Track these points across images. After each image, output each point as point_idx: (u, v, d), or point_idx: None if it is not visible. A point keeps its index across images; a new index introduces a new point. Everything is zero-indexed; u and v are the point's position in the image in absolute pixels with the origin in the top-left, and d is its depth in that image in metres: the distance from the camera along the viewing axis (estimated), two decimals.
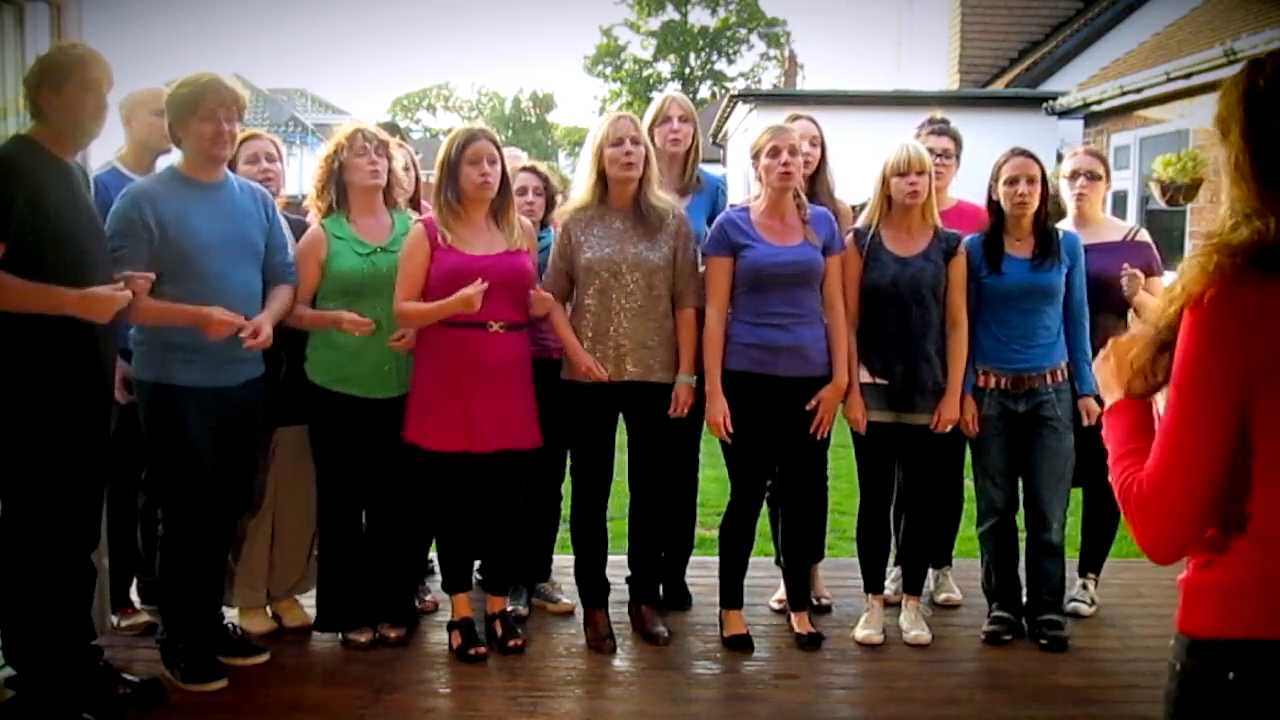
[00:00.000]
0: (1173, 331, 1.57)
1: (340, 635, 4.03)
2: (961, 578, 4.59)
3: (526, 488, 4.10)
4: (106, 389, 3.42)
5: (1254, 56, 1.61)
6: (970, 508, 4.62)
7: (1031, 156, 4.05)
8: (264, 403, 3.78)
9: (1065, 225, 4.25)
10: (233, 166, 3.89)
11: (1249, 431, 1.54)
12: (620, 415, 4.03)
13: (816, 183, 4.30)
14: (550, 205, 4.31)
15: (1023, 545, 4.21)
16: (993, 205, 4.09)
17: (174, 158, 3.67)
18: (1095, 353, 4.05)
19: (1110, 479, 1.67)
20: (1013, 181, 4.01)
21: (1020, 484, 4.15)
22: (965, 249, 4.01)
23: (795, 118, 4.32)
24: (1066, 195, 4.35)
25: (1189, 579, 1.64)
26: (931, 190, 3.97)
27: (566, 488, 4.31)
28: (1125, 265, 4.11)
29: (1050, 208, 4.09)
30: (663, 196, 3.95)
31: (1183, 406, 1.55)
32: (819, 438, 3.95)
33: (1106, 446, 1.72)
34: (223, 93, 3.48)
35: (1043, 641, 4.04)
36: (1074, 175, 4.32)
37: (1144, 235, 4.36)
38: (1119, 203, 10.27)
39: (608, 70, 46.15)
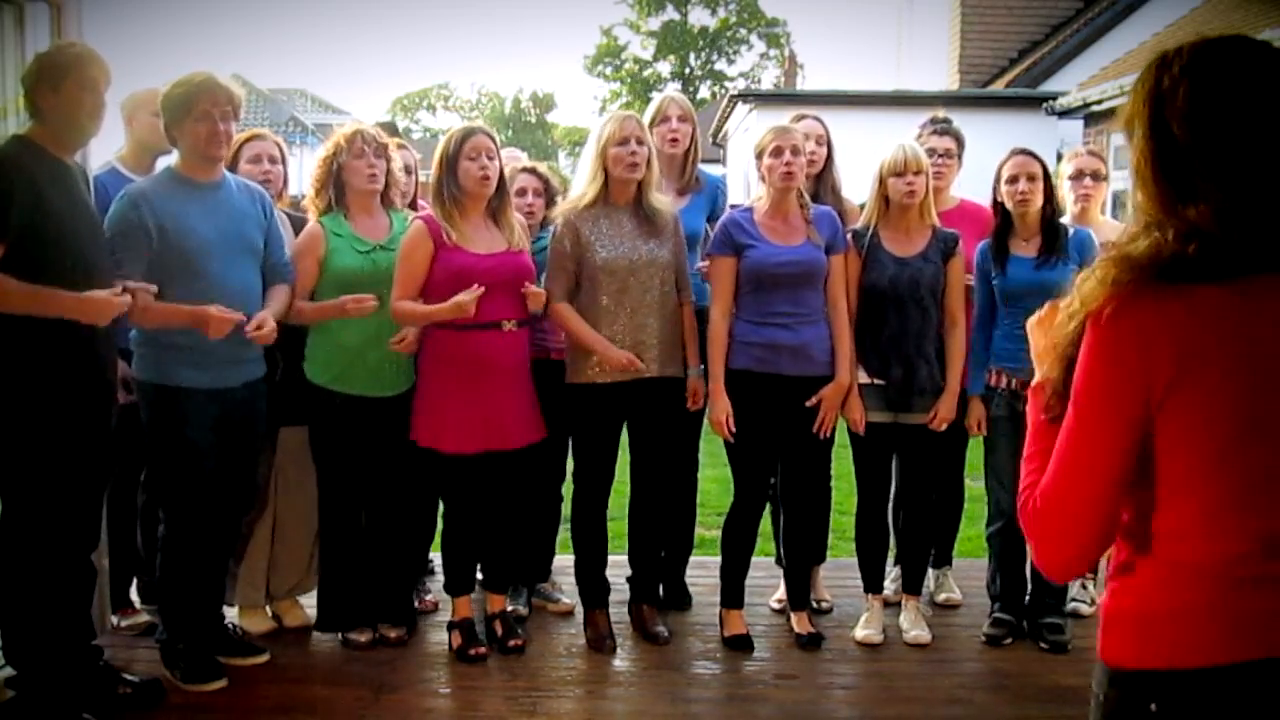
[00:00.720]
0: (1075, 348, 1.51)
1: (340, 635, 4.03)
2: (962, 577, 4.59)
3: (529, 486, 4.10)
4: (107, 389, 3.41)
5: (1163, 52, 1.51)
6: (971, 507, 4.62)
7: (1032, 155, 4.05)
8: (266, 403, 3.77)
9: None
10: (234, 166, 3.90)
11: (1152, 450, 1.48)
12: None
13: (822, 182, 4.30)
14: (550, 206, 4.30)
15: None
16: (997, 206, 4.09)
17: (172, 158, 3.66)
18: None
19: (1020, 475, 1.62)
20: (1013, 180, 4.01)
21: None
22: (963, 251, 4.00)
23: (801, 117, 4.32)
24: (1068, 196, 4.34)
25: (1106, 603, 1.59)
26: (929, 190, 3.97)
27: (566, 488, 4.30)
28: None
29: (1054, 205, 4.08)
30: (661, 198, 3.96)
31: (1079, 424, 1.49)
32: (822, 437, 3.95)
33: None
34: (217, 92, 3.47)
35: (1043, 645, 4.03)
36: (1078, 175, 4.32)
37: None
38: (1119, 203, 10.27)
39: (608, 70, 46.13)
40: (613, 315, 3.87)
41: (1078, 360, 1.50)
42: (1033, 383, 1.67)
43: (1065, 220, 4.31)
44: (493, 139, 3.83)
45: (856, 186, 4.41)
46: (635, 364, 3.82)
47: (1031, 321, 1.71)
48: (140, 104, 4.00)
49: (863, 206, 4.30)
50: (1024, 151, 4.07)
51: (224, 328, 3.38)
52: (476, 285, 3.65)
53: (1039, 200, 4.00)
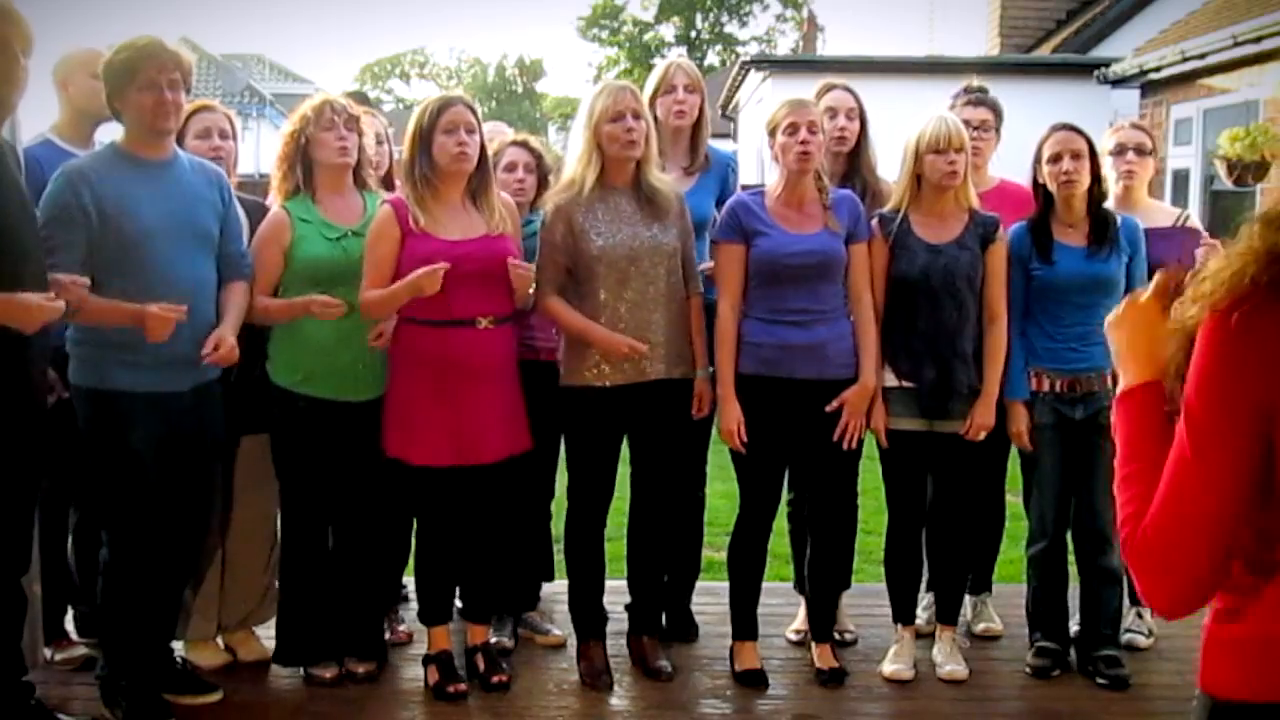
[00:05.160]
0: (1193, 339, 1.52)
1: (302, 670, 4.03)
2: (1003, 605, 4.58)
3: (511, 504, 4.10)
4: (33, 395, 3.41)
5: None
6: (1013, 526, 4.62)
7: (1076, 130, 4.05)
8: (223, 409, 3.77)
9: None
10: (180, 141, 3.90)
11: (1276, 469, 1.48)
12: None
13: (857, 160, 4.30)
14: (543, 185, 4.29)
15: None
16: (1038, 188, 4.10)
17: (116, 132, 3.66)
18: None
19: (1116, 500, 1.61)
20: (1055, 159, 4.02)
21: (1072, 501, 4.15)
22: (1006, 236, 4.01)
23: (830, 87, 4.31)
24: (1110, 175, 4.34)
25: (1211, 628, 1.59)
26: (968, 170, 3.98)
27: (557, 506, 4.31)
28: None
29: (1101, 188, 4.10)
30: (662, 177, 3.97)
31: (1193, 439, 1.49)
32: (845, 447, 3.94)
33: (1115, 442, 1.66)
34: (164, 58, 3.48)
35: (1100, 680, 4.03)
36: (1120, 150, 4.33)
37: (1195, 221, 4.40)
38: (1180, 182, 10.27)
39: (604, 34, 46.19)
40: (613, 311, 3.87)
41: (1193, 360, 1.50)
42: (1119, 390, 1.67)
43: (1108, 203, 4.33)
44: (473, 110, 3.83)
45: (882, 165, 4.41)
46: (639, 349, 3.81)
47: (1110, 320, 1.71)
48: (76, 65, 3.98)
49: None
50: (1067, 126, 4.07)
51: (164, 330, 3.37)
52: (441, 262, 3.63)
53: (1085, 181, 4.01)
